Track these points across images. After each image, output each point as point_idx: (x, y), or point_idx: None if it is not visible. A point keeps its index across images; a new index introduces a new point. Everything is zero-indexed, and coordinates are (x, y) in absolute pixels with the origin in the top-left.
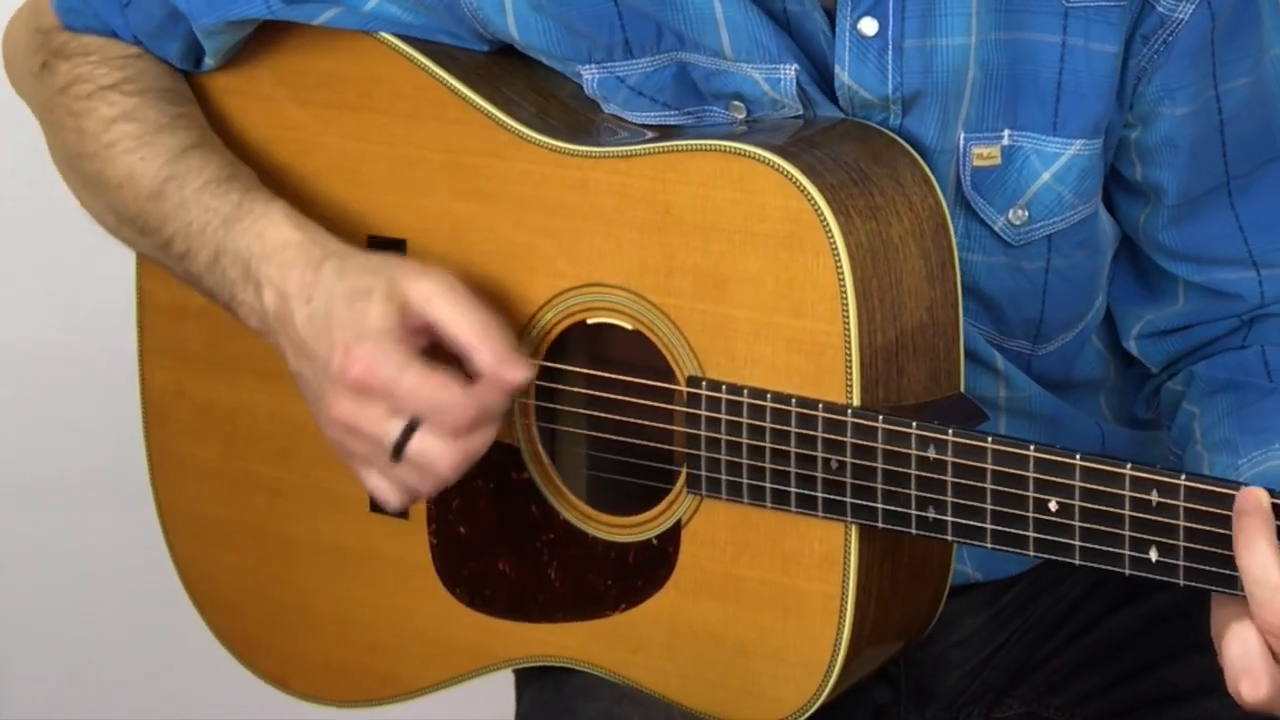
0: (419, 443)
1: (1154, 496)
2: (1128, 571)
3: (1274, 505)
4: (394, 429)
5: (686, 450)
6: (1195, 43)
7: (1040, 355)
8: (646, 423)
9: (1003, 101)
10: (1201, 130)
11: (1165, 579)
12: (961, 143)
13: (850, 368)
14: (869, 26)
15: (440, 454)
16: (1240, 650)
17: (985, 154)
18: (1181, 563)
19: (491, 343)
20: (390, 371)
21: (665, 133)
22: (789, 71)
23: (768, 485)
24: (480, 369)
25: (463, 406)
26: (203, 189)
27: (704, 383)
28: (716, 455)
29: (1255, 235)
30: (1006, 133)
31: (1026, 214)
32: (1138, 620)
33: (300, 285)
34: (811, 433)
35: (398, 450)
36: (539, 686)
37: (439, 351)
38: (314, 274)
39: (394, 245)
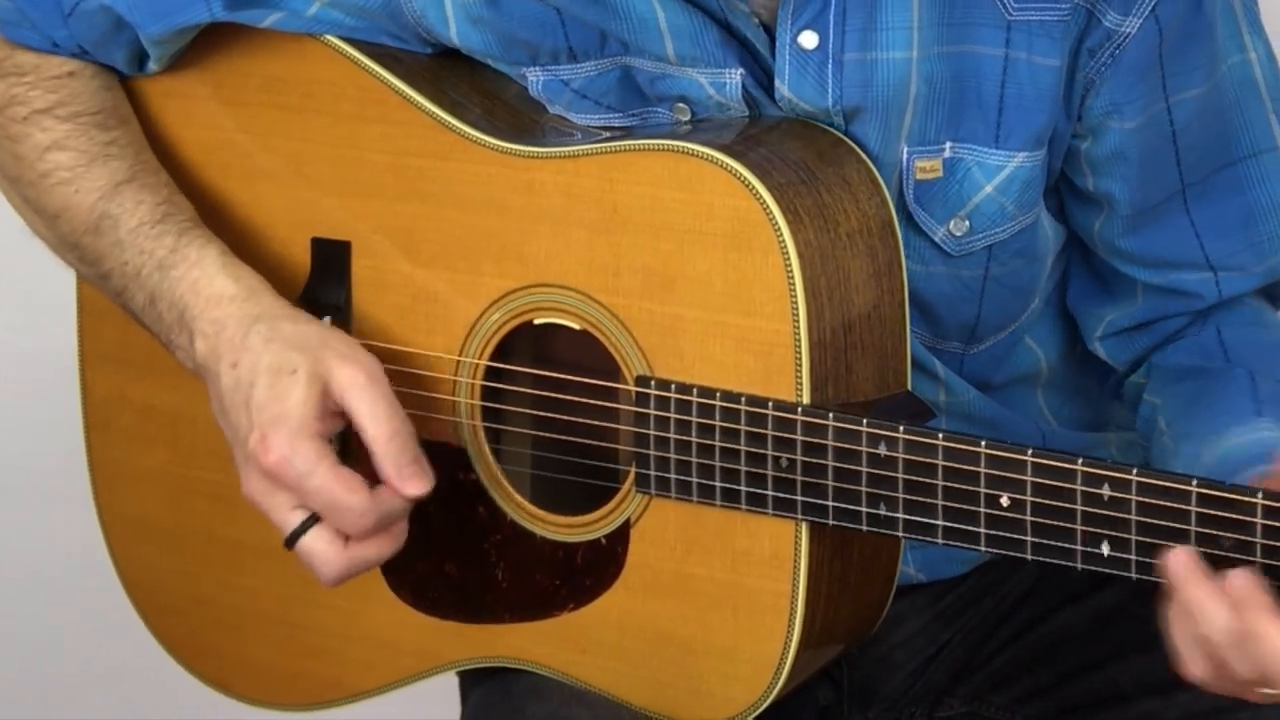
0: (311, 541)
1: (1106, 491)
2: (1080, 566)
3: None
4: (294, 520)
5: (635, 449)
6: (1143, 56)
7: (972, 354)
8: (595, 422)
9: (945, 114)
10: (1152, 141)
11: (1117, 573)
12: (904, 157)
13: (800, 366)
14: (809, 40)
15: (326, 560)
16: (1178, 636)
17: (927, 167)
18: (1134, 556)
19: (396, 452)
20: (300, 469)
21: (611, 133)
22: (734, 76)
23: (717, 484)
24: (381, 475)
25: (362, 514)
26: (136, 230)
27: (653, 382)
28: (666, 454)
29: (1211, 241)
30: (948, 145)
31: (968, 225)
32: (1080, 620)
33: (229, 347)
34: (761, 431)
35: (290, 542)
36: (486, 688)
37: (355, 437)
38: (242, 337)
39: (339, 247)
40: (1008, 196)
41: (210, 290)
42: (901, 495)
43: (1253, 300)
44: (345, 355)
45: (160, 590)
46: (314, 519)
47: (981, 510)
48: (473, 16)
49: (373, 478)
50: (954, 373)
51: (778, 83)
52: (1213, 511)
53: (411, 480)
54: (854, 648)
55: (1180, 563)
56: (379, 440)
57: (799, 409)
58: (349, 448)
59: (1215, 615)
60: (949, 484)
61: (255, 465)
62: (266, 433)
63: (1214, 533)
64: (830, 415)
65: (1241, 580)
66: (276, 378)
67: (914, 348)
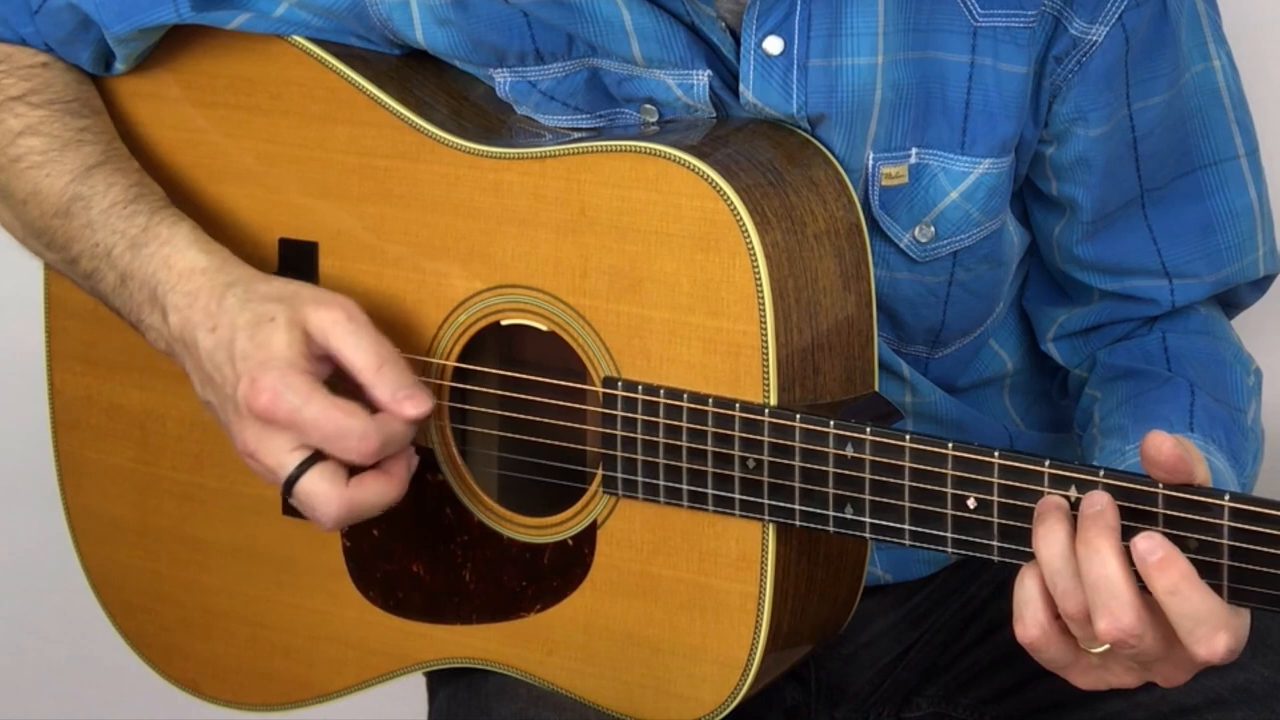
0: (310, 482)
1: (1072, 493)
2: None
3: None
4: (291, 461)
5: (603, 451)
6: (1110, 64)
7: (937, 359)
8: (562, 423)
9: (911, 121)
10: (1115, 148)
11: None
12: (870, 163)
13: (767, 368)
14: (774, 45)
15: (328, 499)
16: (1020, 596)
17: (893, 173)
18: None
19: (388, 376)
20: (294, 401)
21: (579, 134)
22: (701, 77)
23: (684, 485)
24: (377, 403)
25: (365, 435)
26: (109, 210)
27: (620, 383)
28: (633, 456)
29: (1169, 247)
30: (914, 151)
31: (933, 231)
32: None
33: (205, 314)
34: (728, 432)
35: (289, 485)
36: (454, 688)
37: (343, 381)
38: (218, 303)
39: (306, 248)
40: (973, 203)
41: (182, 264)
42: (868, 497)
43: (1203, 307)
44: (321, 299)
45: (128, 589)
46: (312, 460)
47: (948, 512)
48: (439, 18)
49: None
50: (920, 374)
51: (742, 88)
52: (1179, 513)
53: (409, 401)
54: (822, 648)
55: (1047, 501)
56: (368, 371)
57: (766, 410)
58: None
59: (1057, 539)
60: (916, 485)
61: (248, 411)
62: (255, 376)
63: (1180, 534)
64: (797, 417)
65: (1096, 499)
66: (256, 328)
67: (880, 350)
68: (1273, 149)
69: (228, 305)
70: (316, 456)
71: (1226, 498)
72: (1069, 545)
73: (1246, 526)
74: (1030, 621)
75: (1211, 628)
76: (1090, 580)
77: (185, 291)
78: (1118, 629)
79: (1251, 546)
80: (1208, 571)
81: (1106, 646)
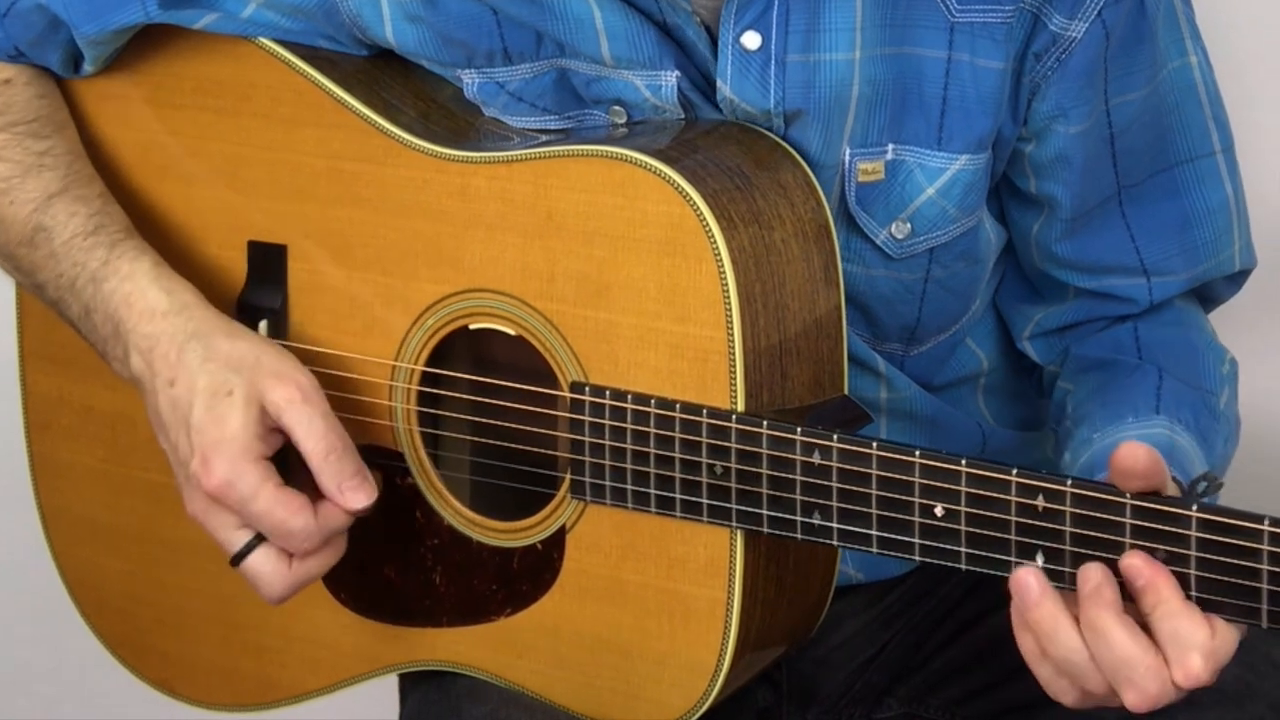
0: (256, 562)
1: (1040, 501)
2: None
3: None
4: (239, 539)
5: (571, 456)
6: (1090, 60)
7: (912, 356)
8: (530, 428)
9: (888, 116)
10: (1093, 144)
11: (1052, 583)
12: (846, 159)
13: (734, 373)
14: (752, 40)
15: (272, 579)
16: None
17: (869, 169)
18: (1067, 568)
19: (335, 467)
20: (243, 493)
21: (547, 137)
22: (670, 78)
23: (652, 491)
24: (322, 489)
25: (307, 536)
26: (70, 243)
27: (587, 388)
28: (601, 461)
29: (1147, 244)
30: (890, 147)
31: (909, 227)
32: None
33: (165, 363)
34: (696, 438)
35: (236, 561)
36: (424, 690)
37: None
38: (177, 354)
39: (275, 250)
40: (949, 199)
41: (143, 304)
42: (836, 504)
43: (1177, 301)
44: (280, 374)
45: (101, 590)
46: (259, 539)
47: (916, 520)
48: (409, 15)
49: (315, 490)
50: (896, 369)
51: (719, 84)
52: (1147, 523)
53: (353, 494)
54: (793, 651)
55: (1027, 584)
56: (317, 456)
57: (733, 416)
58: (289, 462)
59: (1059, 628)
60: (883, 493)
61: (198, 487)
62: (208, 456)
63: (1148, 544)
64: (765, 423)
65: (1091, 575)
66: (214, 399)
67: (855, 345)
68: (1247, 145)
69: (187, 361)
70: (262, 536)
71: (1194, 508)
72: (1073, 631)
73: (1214, 537)
74: (1062, 690)
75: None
76: (1107, 663)
77: (145, 334)
78: (1149, 699)
79: (1219, 557)
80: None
81: None
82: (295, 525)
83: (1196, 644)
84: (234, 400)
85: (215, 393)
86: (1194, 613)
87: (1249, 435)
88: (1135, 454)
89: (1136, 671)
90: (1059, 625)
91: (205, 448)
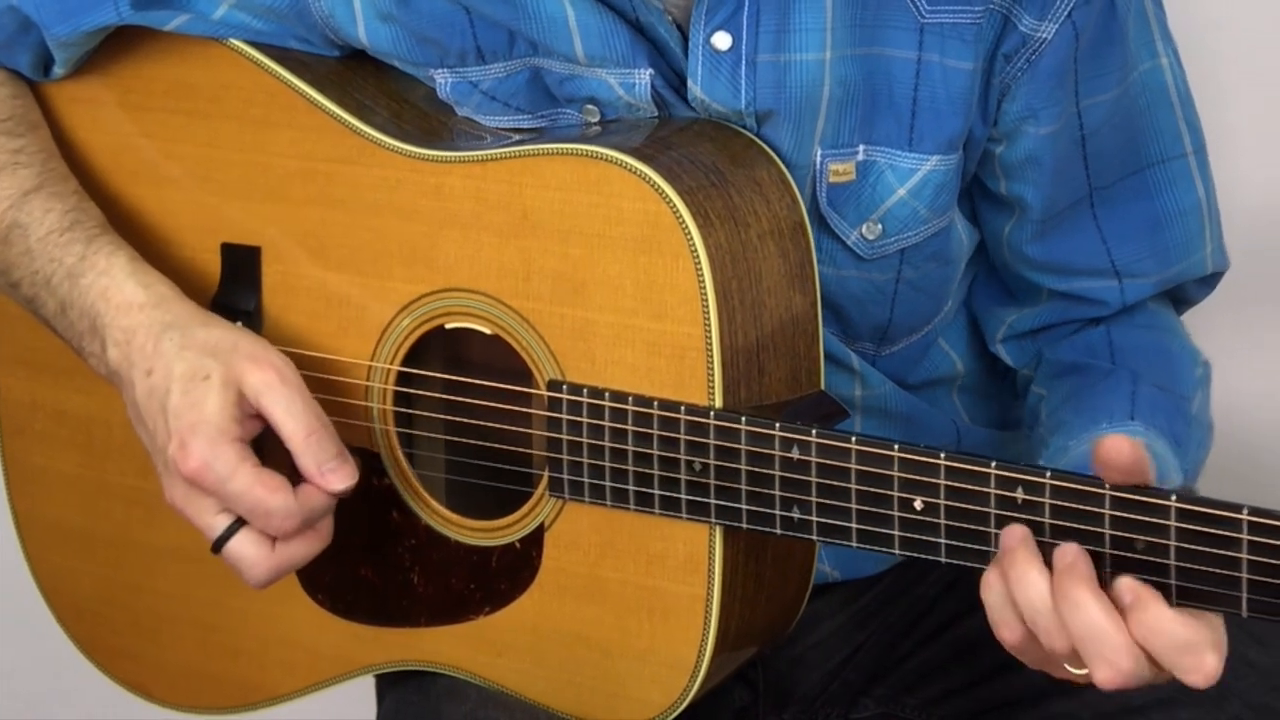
0: (238, 545)
1: (1019, 494)
2: None
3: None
4: (219, 524)
5: (548, 454)
6: (1060, 61)
7: (885, 356)
8: (507, 427)
9: (859, 117)
10: (1064, 146)
11: None
12: (817, 159)
13: (712, 369)
14: (722, 41)
15: (254, 563)
16: (993, 603)
17: (840, 169)
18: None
19: (315, 449)
20: (221, 473)
21: (521, 136)
22: (643, 76)
23: (631, 488)
24: (303, 472)
25: (287, 515)
26: (45, 239)
27: (564, 386)
28: (579, 459)
29: (1118, 246)
30: (861, 148)
31: (880, 228)
32: None
33: (141, 354)
34: (674, 435)
35: (217, 546)
36: (402, 690)
37: (274, 439)
38: (154, 345)
39: (249, 252)
40: (920, 200)
41: (120, 298)
42: (815, 499)
43: (1151, 302)
44: (257, 358)
45: (76, 595)
46: (240, 523)
47: (895, 514)
48: (382, 14)
49: (295, 478)
50: (869, 366)
51: (690, 84)
52: (1126, 514)
53: (334, 475)
54: (770, 649)
55: (1015, 533)
56: (297, 439)
57: (711, 413)
58: (265, 450)
59: (1035, 583)
60: (862, 487)
61: (176, 473)
62: (185, 439)
63: (1128, 535)
64: (743, 419)
65: (1067, 551)
66: (191, 384)
67: (829, 342)
68: (1219, 147)
69: (164, 350)
70: (243, 520)
71: (1173, 498)
72: (1044, 587)
73: (1193, 527)
74: (1009, 627)
75: (1195, 654)
76: (1078, 632)
77: (122, 327)
78: (1119, 675)
79: (1198, 547)
80: (1155, 571)
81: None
82: (274, 504)
83: (1210, 642)
84: (211, 384)
85: (192, 378)
86: (1187, 615)
87: (1220, 434)
88: (1120, 447)
89: (1107, 645)
90: (1030, 569)
91: (182, 431)
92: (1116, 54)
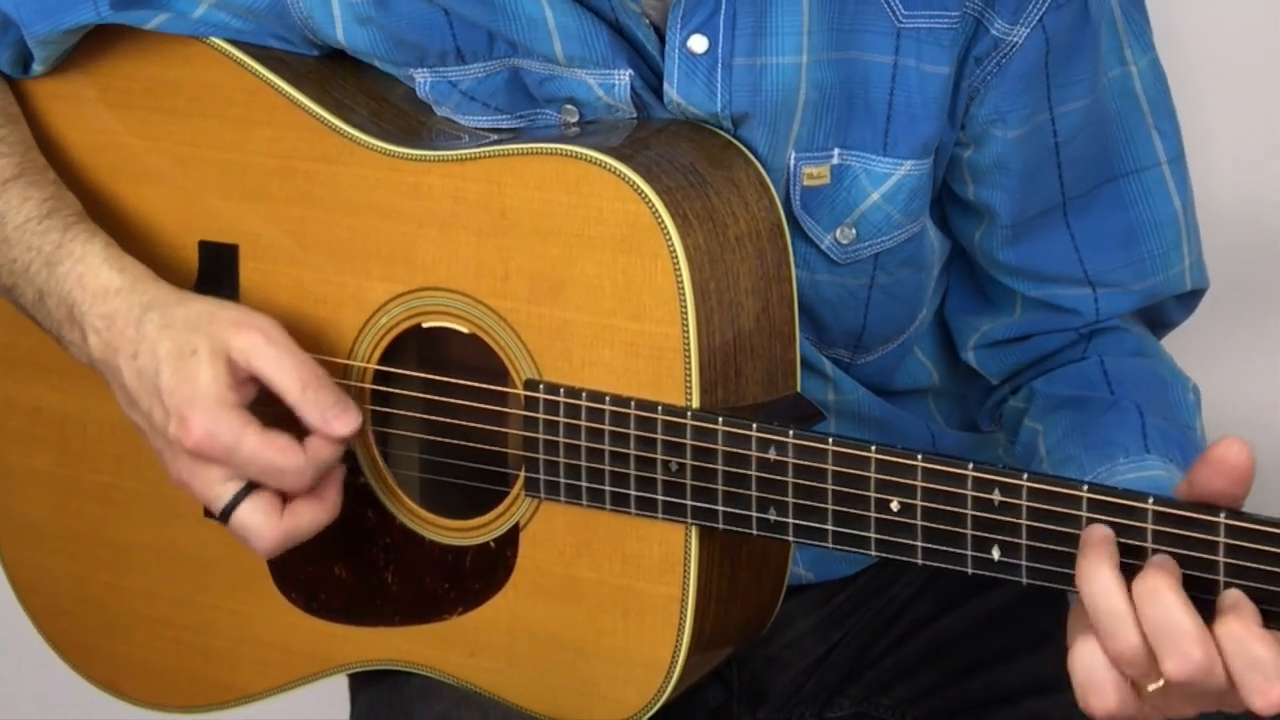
0: (244, 514)
1: (996, 496)
2: (970, 571)
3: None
4: (226, 493)
5: (524, 453)
6: (1029, 66)
7: (859, 364)
8: (484, 426)
9: (834, 121)
10: (1034, 152)
11: (1008, 578)
12: (792, 163)
13: (689, 370)
14: (698, 44)
15: (261, 530)
16: (1084, 668)
17: (815, 173)
18: (1024, 562)
19: (314, 398)
20: (227, 440)
21: (499, 135)
22: (623, 77)
23: (607, 488)
24: (307, 425)
25: (299, 470)
26: (23, 227)
27: (541, 386)
28: (555, 458)
29: (1091, 256)
30: (836, 152)
31: (854, 233)
32: (969, 621)
33: (124, 339)
34: (651, 435)
35: (225, 515)
36: (376, 690)
37: (270, 399)
38: (136, 328)
39: (226, 250)
40: (894, 205)
41: (96, 284)
42: (791, 499)
43: (1134, 328)
44: (240, 322)
45: (50, 593)
46: (246, 491)
47: (871, 515)
48: (360, 16)
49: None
50: (842, 373)
51: (666, 86)
52: (1104, 516)
53: (338, 420)
54: (745, 649)
55: (1095, 527)
56: (294, 392)
57: (688, 413)
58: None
59: (1112, 581)
60: (839, 488)
61: (179, 449)
62: (185, 415)
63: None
64: (720, 419)
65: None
66: (180, 361)
67: (803, 347)
68: (1199, 160)
69: (147, 331)
70: (250, 486)
71: (1150, 501)
72: (1118, 583)
73: (1170, 530)
74: (1111, 693)
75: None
76: (1152, 622)
77: (101, 314)
78: (1190, 665)
79: (1175, 550)
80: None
81: (1163, 682)
82: (285, 462)
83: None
84: (199, 357)
85: (180, 354)
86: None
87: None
88: (1242, 452)
89: (1185, 634)
90: (1109, 576)
91: (180, 407)
92: (1088, 60)
